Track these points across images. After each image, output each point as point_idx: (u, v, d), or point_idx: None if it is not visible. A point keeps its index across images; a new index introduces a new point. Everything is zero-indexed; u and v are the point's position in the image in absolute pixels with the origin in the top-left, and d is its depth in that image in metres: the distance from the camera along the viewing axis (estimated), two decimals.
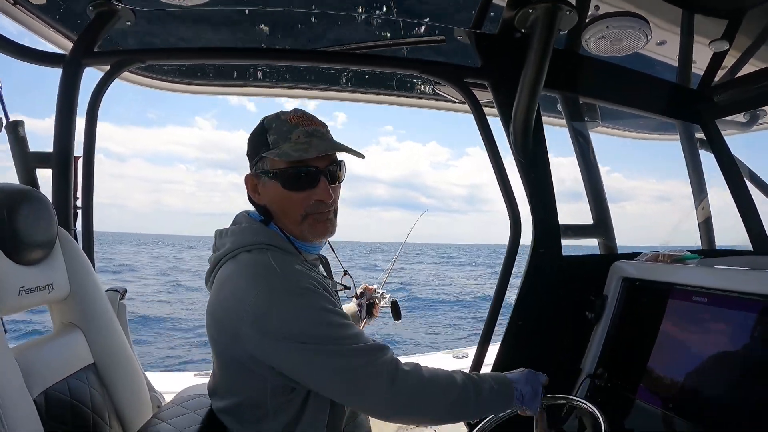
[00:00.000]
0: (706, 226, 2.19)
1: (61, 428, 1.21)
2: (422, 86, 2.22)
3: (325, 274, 1.30)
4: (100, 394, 1.39)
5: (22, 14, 1.56)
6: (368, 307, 1.79)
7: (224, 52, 1.68)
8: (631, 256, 1.83)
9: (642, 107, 2.02)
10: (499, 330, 1.86)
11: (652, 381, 1.52)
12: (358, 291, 1.80)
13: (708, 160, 2.16)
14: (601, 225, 1.94)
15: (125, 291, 1.63)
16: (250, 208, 1.21)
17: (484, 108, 1.80)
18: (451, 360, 2.92)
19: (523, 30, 1.58)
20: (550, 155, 1.80)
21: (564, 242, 1.85)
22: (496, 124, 1.81)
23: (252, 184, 1.16)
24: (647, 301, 1.67)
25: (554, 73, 1.74)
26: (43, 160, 1.63)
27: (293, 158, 1.05)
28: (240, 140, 1.16)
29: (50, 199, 1.63)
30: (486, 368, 1.83)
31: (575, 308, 1.79)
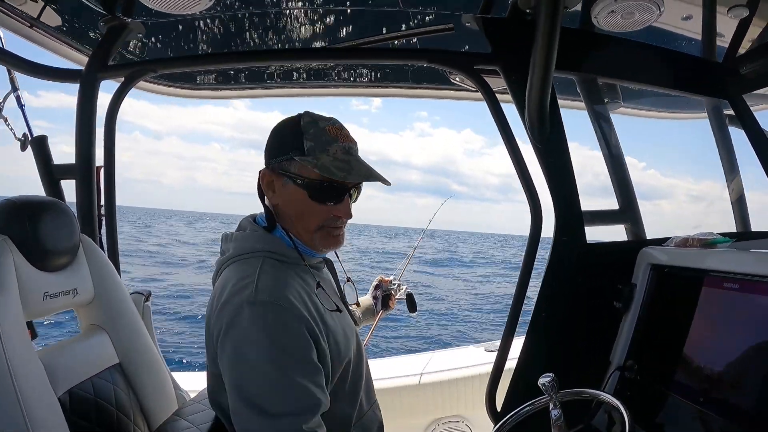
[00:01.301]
0: (739, 208, 2.05)
1: (85, 425, 1.27)
2: (437, 76, 2.18)
3: (330, 278, 1.30)
4: (125, 393, 1.45)
5: (39, 35, 1.64)
6: (384, 299, 1.78)
7: (234, 56, 1.71)
8: (660, 241, 1.73)
9: (663, 84, 1.91)
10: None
11: (685, 374, 1.43)
12: (374, 282, 1.79)
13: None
14: (628, 210, 1.84)
15: (150, 294, 1.70)
16: None
17: (499, 95, 1.76)
18: (482, 353, 2.87)
19: (528, 10, 1.52)
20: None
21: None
22: (513, 111, 1.77)
23: (268, 180, 1.13)
24: (679, 288, 1.57)
25: (568, 53, 1.67)
26: (66, 171, 1.72)
27: (335, 176, 1.05)
28: (274, 121, 1.15)
29: (75, 208, 1.73)
30: (511, 362, 1.79)
31: (602, 298, 1.71)
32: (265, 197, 1.16)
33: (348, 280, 1.39)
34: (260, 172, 1.14)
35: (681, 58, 1.88)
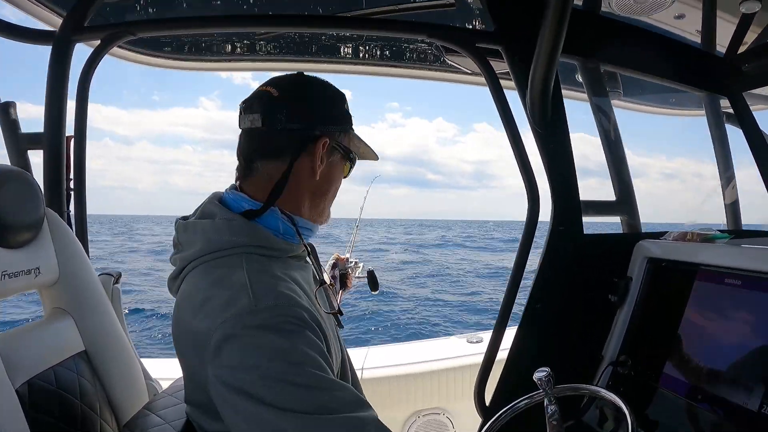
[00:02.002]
0: (732, 206, 2.04)
1: (45, 419, 1.14)
2: (432, 57, 2.10)
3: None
4: (90, 383, 1.32)
5: None
6: (341, 278, 1.70)
7: (217, 20, 1.58)
8: (657, 235, 1.70)
9: (665, 76, 1.86)
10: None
11: (679, 370, 1.40)
12: (330, 261, 1.71)
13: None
14: (625, 202, 1.81)
15: (120, 275, 1.57)
16: None
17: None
18: (465, 345, 2.83)
19: None
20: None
21: None
22: (510, 95, 1.70)
23: (325, 151, 0.96)
24: (675, 283, 1.54)
25: (572, 36, 1.61)
26: (34, 141, 1.57)
27: (370, 154, 1.09)
28: None
29: (42, 180, 1.59)
30: (502, 353, 1.73)
31: (597, 290, 1.67)
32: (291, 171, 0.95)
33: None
34: (317, 139, 0.95)
35: (685, 50, 1.84)
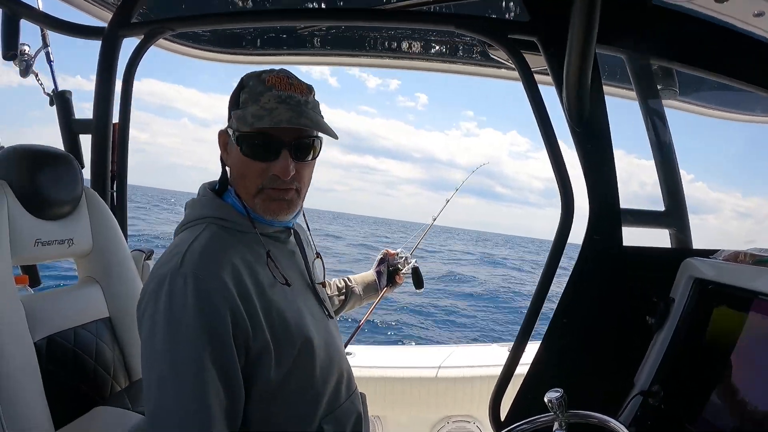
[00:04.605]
0: None
1: (60, 372, 1.27)
2: (474, 51, 2.01)
3: (295, 251, 1.18)
4: (109, 348, 1.44)
5: None
6: (390, 275, 1.65)
7: (247, 15, 1.64)
8: (707, 253, 1.48)
9: (729, 73, 1.62)
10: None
11: (718, 410, 1.20)
12: (379, 256, 1.68)
13: None
14: (674, 213, 1.59)
15: (152, 252, 1.69)
16: None
17: (539, 75, 1.57)
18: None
19: None
20: None
21: None
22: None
23: (224, 141, 1.06)
24: (723, 309, 1.33)
25: (615, 26, 1.47)
26: (85, 127, 1.75)
27: (249, 125, 0.94)
28: None
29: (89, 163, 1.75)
30: (522, 368, 1.62)
31: (634, 310, 1.50)
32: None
33: (317, 256, 1.26)
34: (218, 133, 1.07)
35: (753, 45, 1.58)
